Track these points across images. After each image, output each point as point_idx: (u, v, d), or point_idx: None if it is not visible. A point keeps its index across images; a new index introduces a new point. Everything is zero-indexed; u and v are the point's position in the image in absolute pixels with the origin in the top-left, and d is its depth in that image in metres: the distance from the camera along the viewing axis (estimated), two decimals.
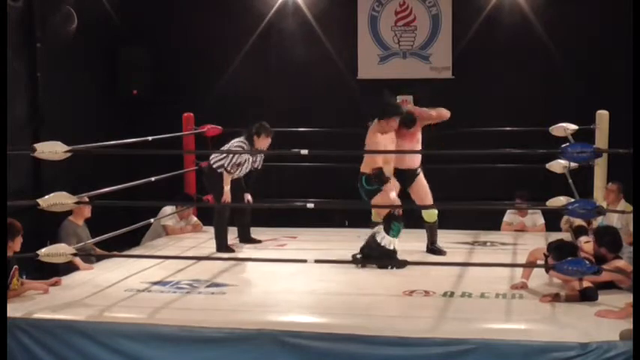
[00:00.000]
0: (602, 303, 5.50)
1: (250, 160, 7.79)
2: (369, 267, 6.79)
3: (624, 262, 5.95)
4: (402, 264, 6.70)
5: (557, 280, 5.97)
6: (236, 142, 7.69)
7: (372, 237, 6.82)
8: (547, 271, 6.08)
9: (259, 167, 8.04)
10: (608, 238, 6.05)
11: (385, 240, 6.78)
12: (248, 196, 7.97)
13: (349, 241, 7.06)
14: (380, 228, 6.84)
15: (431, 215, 7.30)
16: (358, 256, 6.68)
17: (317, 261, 6.04)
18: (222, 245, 7.68)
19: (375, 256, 6.74)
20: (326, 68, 10.33)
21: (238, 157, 7.61)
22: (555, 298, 5.63)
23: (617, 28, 9.30)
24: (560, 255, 5.69)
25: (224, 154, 7.66)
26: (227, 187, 7.59)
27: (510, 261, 7.17)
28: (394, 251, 6.87)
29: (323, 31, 10.35)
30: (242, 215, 8.13)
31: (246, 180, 8.01)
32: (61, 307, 5.63)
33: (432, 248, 7.37)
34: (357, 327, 5.16)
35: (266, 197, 8.85)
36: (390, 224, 6.80)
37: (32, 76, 8.80)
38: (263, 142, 7.65)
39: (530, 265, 6.13)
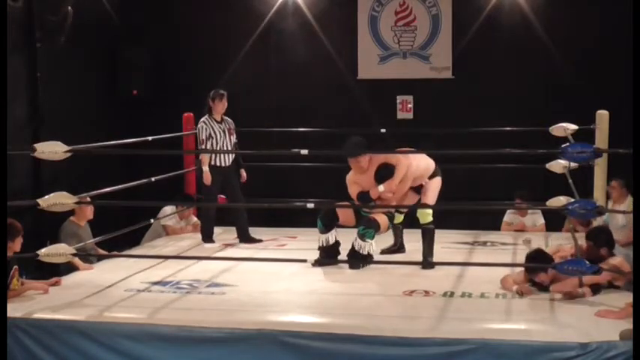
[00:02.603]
0: (602, 303, 5.50)
1: (220, 132, 7.98)
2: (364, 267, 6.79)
3: (620, 260, 5.95)
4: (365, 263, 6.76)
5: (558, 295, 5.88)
6: (201, 120, 8.05)
7: (353, 250, 6.80)
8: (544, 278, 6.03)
9: (236, 140, 8.21)
10: (604, 237, 6.06)
11: (361, 246, 6.75)
12: (243, 173, 8.23)
13: (349, 241, 7.04)
14: (356, 241, 6.80)
15: (423, 215, 6.98)
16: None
17: (315, 264, 6.15)
18: (207, 234, 8.03)
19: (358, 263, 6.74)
20: (326, 68, 10.33)
21: (204, 132, 7.96)
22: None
23: (617, 28, 9.30)
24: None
25: (201, 129, 7.96)
26: (205, 168, 7.90)
27: (510, 261, 7.17)
28: (370, 255, 6.83)
29: (323, 31, 10.35)
30: (237, 214, 8.18)
31: (237, 159, 8.19)
32: (61, 307, 5.63)
33: (423, 263, 6.74)
34: (357, 327, 5.16)
35: (266, 197, 8.86)
36: (364, 233, 6.81)
37: (32, 76, 8.80)
38: (220, 106, 8.03)
39: (529, 264, 6.13)
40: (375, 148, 7.97)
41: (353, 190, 7.02)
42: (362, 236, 6.80)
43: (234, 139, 8.14)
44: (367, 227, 6.82)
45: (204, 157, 7.95)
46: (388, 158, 6.92)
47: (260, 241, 8.11)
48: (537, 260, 5.93)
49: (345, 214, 7.00)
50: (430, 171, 7.05)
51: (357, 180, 6.99)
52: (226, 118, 8.14)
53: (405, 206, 7.18)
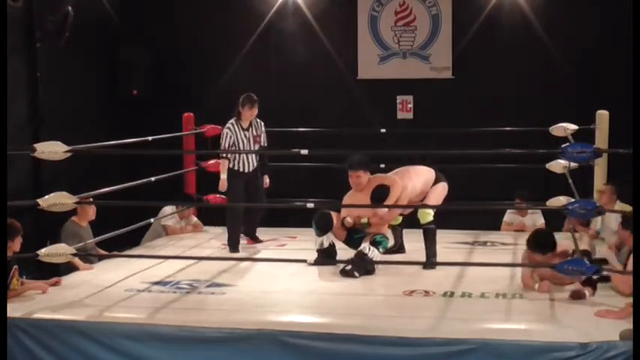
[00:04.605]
0: (602, 303, 5.51)
1: (244, 139, 7.77)
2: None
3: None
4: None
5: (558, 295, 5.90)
6: (226, 126, 7.80)
7: (361, 252, 6.69)
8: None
9: (265, 144, 8.00)
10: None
11: (373, 253, 6.69)
12: (266, 179, 8.09)
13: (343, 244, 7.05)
14: (367, 244, 6.72)
15: (423, 215, 6.94)
16: (347, 268, 6.63)
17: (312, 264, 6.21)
18: (232, 243, 7.72)
19: (363, 266, 6.63)
20: (326, 68, 10.34)
21: (227, 139, 7.72)
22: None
23: (617, 28, 9.30)
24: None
25: (225, 137, 7.75)
26: (223, 176, 7.71)
27: (510, 261, 7.16)
28: (372, 262, 6.72)
29: (323, 31, 10.36)
30: (252, 214, 8.10)
31: (262, 163, 8.05)
32: (61, 307, 5.63)
33: (425, 264, 6.71)
34: (357, 327, 5.16)
35: (266, 197, 8.84)
36: (382, 239, 6.78)
37: (32, 76, 8.80)
38: (249, 113, 7.75)
39: (529, 264, 6.13)
40: (375, 149, 7.98)
41: (344, 212, 6.97)
42: (377, 243, 6.71)
43: (259, 145, 7.88)
44: (385, 236, 6.81)
45: (224, 165, 7.73)
46: (385, 179, 6.93)
47: (260, 241, 8.10)
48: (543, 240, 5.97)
49: (337, 225, 6.94)
50: (430, 184, 7.05)
51: (352, 202, 6.93)
52: (256, 122, 7.85)
53: (406, 206, 7.17)
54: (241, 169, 7.80)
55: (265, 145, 8.00)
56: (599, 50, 9.70)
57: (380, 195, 6.78)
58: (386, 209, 6.77)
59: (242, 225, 7.97)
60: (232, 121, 7.78)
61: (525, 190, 8.61)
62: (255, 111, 7.81)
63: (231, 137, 7.72)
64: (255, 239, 8.11)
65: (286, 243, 8.17)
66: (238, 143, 7.76)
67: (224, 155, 7.75)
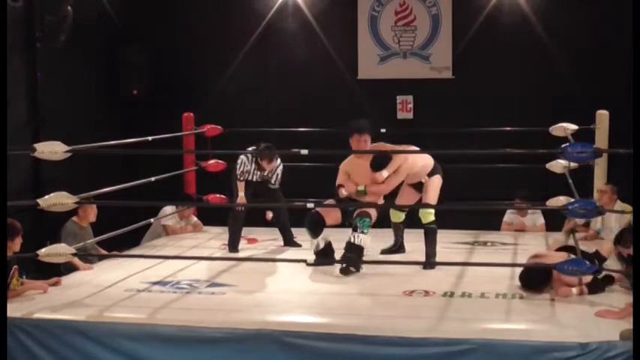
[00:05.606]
0: (602, 303, 5.51)
1: (255, 175, 7.78)
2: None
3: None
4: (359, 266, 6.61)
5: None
6: (245, 152, 7.73)
7: (349, 242, 6.67)
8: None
9: (277, 184, 7.93)
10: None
11: (359, 238, 6.63)
12: (269, 214, 8.12)
13: (339, 240, 7.04)
14: (350, 233, 6.68)
15: (425, 215, 6.91)
16: (344, 266, 6.60)
17: (311, 264, 6.21)
18: (232, 244, 7.75)
19: (357, 258, 6.59)
20: (326, 68, 10.34)
21: (242, 166, 7.72)
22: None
23: (616, 28, 9.31)
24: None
25: (240, 164, 7.73)
26: (241, 194, 7.72)
27: (510, 261, 7.17)
28: (362, 248, 6.67)
29: (323, 31, 10.36)
30: (279, 223, 8.09)
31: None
32: (61, 307, 5.63)
33: (425, 264, 6.72)
34: (357, 327, 5.16)
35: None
36: (361, 222, 6.68)
37: (32, 76, 8.80)
38: (269, 167, 7.71)
39: (529, 265, 6.14)
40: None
41: (340, 179, 6.96)
42: (358, 227, 6.66)
43: (268, 183, 7.88)
44: (363, 217, 6.69)
45: (241, 186, 7.73)
46: (386, 147, 6.88)
47: (299, 245, 7.94)
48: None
49: (330, 214, 6.93)
50: (428, 169, 7.02)
51: (349, 169, 6.91)
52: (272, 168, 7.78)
53: (406, 206, 7.18)
54: (248, 179, 7.80)
55: (277, 186, 7.92)
56: (599, 50, 9.70)
57: (380, 162, 6.72)
58: (384, 177, 6.70)
59: (242, 227, 7.94)
60: (251, 149, 7.72)
61: (525, 190, 8.61)
62: (275, 163, 7.77)
63: (245, 165, 7.71)
64: (294, 244, 7.97)
65: None
66: (250, 176, 7.76)
67: (240, 179, 7.73)
